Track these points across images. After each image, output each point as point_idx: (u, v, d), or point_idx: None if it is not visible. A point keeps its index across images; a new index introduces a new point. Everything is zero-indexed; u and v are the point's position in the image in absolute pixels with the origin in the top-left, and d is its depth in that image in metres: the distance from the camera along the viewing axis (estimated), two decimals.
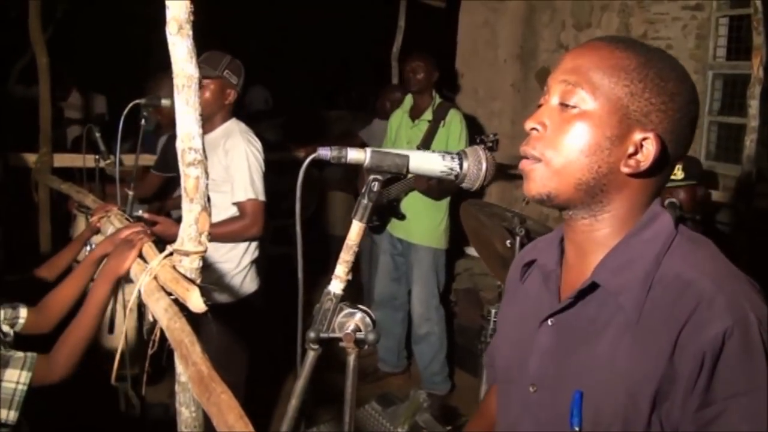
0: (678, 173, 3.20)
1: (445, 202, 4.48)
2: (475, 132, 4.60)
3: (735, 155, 4.56)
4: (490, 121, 5.88)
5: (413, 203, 4.48)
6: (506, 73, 6.11)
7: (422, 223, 4.50)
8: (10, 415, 2.00)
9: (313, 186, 6.37)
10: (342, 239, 1.24)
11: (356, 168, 5.89)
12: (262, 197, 3.18)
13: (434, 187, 4.25)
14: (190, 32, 1.60)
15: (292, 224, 5.99)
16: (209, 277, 3.03)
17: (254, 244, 3.32)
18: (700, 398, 1.03)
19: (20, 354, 2.06)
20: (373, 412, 3.08)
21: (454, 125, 4.34)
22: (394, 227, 4.61)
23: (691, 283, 1.07)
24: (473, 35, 6.32)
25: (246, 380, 3.29)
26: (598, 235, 1.20)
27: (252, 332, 3.32)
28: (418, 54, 4.53)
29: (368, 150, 1.19)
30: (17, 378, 2.01)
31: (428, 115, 4.46)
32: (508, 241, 2.83)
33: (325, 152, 1.15)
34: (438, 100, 4.52)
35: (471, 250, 5.27)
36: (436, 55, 4.60)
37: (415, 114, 4.55)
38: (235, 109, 3.35)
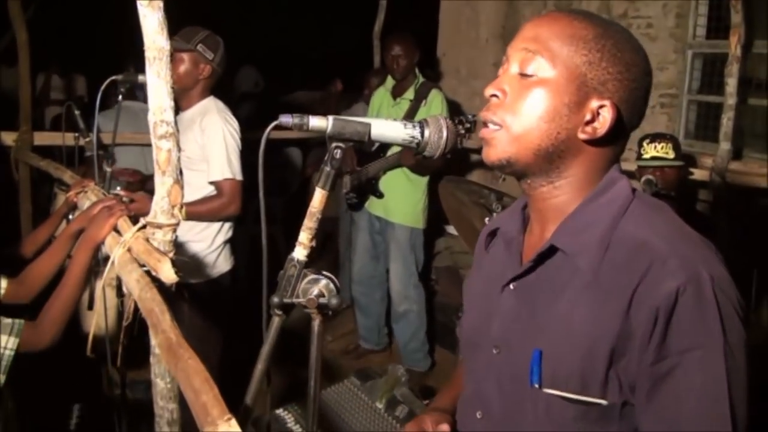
0: (669, 153, 3.25)
1: (424, 182, 4.49)
2: (456, 113, 4.60)
3: (713, 134, 4.60)
4: (471, 100, 5.88)
5: (392, 182, 4.49)
6: (488, 53, 6.11)
7: (400, 201, 4.51)
8: None
9: (294, 167, 6.37)
10: (326, 220, 1.26)
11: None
12: (239, 176, 3.17)
13: (420, 162, 4.26)
14: (161, 4, 1.61)
15: (274, 203, 6.03)
16: (182, 255, 3.05)
17: (228, 224, 3.31)
18: (655, 353, 1.07)
19: (8, 320, 2.10)
20: (352, 386, 3.09)
21: (435, 105, 4.34)
22: (373, 205, 4.63)
23: (646, 244, 1.11)
24: (455, 14, 6.32)
25: (222, 359, 3.28)
26: (557, 202, 1.22)
27: (226, 311, 3.32)
28: (398, 38, 4.47)
29: (330, 117, 1.21)
30: (5, 343, 2.06)
31: (410, 94, 4.46)
32: (486, 219, 2.85)
33: (287, 119, 1.17)
34: (420, 79, 4.51)
35: (451, 229, 5.29)
36: (418, 35, 4.58)
37: (397, 92, 4.55)
38: (219, 88, 3.34)
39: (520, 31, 1.23)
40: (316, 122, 1.19)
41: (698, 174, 4.15)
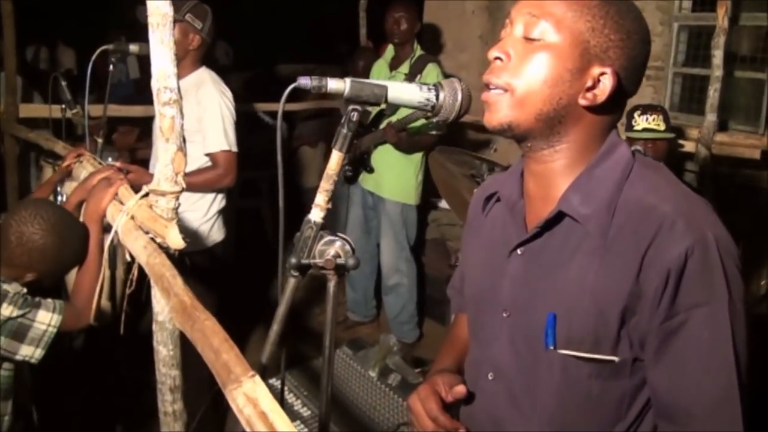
0: (661, 125, 3.28)
1: (418, 158, 4.48)
2: None
3: (698, 106, 4.64)
4: (457, 73, 5.86)
5: (384, 156, 4.48)
6: (474, 25, 6.10)
7: (392, 177, 4.50)
8: (36, 353, 2.12)
9: (281, 140, 6.34)
10: (313, 190, 1.28)
11: (328, 124, 5.92)
12: (234, 148, 3.19)
13: (404, 139, 4.25)
14: None
15: (260, 177, 6.02)
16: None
17: (222, 194, 3.33)
18: (665, 312, 1.12)
19: (50, 300, 2.17)
20: (344, 356, 3.12)
21: (429, 80, 4.26)
22: (365, 180, 4.63)
23: (653, 208, 1.14)
24: None
25: None
26: (557, 166, 1.25)
27: (219, 281, 3.34)
28: (402, 3, 4.43)
29: (347, 80, 1.21)
30: (48, 320, 2.12)
31: (405, 67, 4.43)
32: (476, 190, 2.87)
33: (305, 81, 1.17)
34: (418, 52, 4.47)
35: (441, 203, 5.31)
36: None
37: (394, 64, 4.52)
38: (207, 57, 3.32)
39: None
40: (334, 84, 1.20)
41: (684, 145, 4.19)
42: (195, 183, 3.07)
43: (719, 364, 1.11)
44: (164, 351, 1.83)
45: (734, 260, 1.13)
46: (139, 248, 1.74)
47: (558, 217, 1.22)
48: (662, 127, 3.26)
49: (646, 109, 3.33)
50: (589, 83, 1.17)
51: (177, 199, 1.85)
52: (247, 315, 3.98)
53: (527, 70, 1.18)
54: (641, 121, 3.27)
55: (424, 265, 5.28)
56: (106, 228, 2.18)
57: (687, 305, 1.11)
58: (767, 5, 4.40)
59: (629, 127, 3.29)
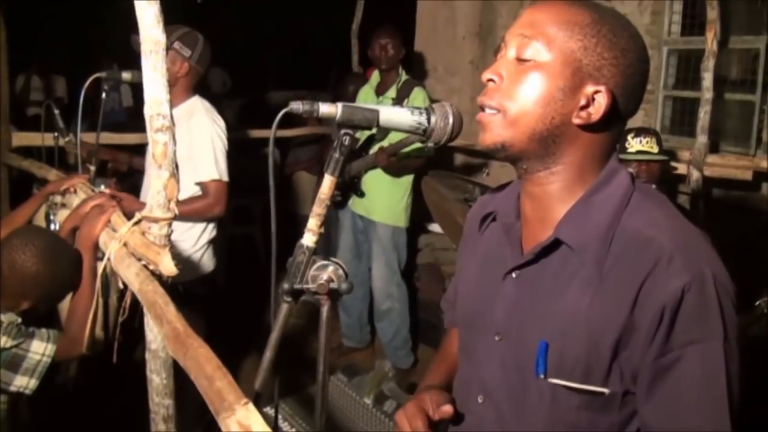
0: (654, 147, 3.29)
1: (407, 181, 4.50)
2: None
3: (689, 128, 4.67)
4: (449, 98, 5.90)
5: (374, 181, 4.49)
6: (465, 50, 6.14)
7: (383, 200, 4.51)
8: (31, 383, 2.11)
9: (273, 166, 6.34)
10: (308, 217, 1.27)
11: (322, 150, 5.93)
12: (225, 178, 3.17)
13: (394, 163, 4.27)
14: None
15: (253, 203, 6.02)
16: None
17: (212, 224, 3.29)
18: (659, 348, 1.11)
19: (44, 329, 2.16)
20: (339, 383, 3.10)
21: (417, 104, 4.27)
22: (355, 204, 4.64)
23: (651, 240, 1.13)
24: (432, 13, 6.35)
25: None
26: (553, 188, 1.24)
27: (209, 312, 3.31)
28: (387, 29, 4.48)
29: (339, 104, 1.21)
30: (43, 350, 2.12)
31: (392, 92, 4.47)
32: (472, 206, 2.87)
33: (297, 106, 1.17)
34: (404, 77, 4.51)
35: (433, 226, 5.31)
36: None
37: (380, 90, 4.56)
38: (200, 86, 3.32)
39: (518, 17, 1.24)
40: (326, 109, 1.19)
41: (678, 168, 4.21)
42: (184, 212, 3.03)
43: (712, 403, 1.10)
44: (157, 380, 1.82)
45: (730, 297, 1.12)
46: (131, 275, 1.73)
47: (554, 245, 1.21)
48: (656, 149, 3.28)
49: (640, 131, 3.34)
50: (583, 102, 1.17)
51: (170, 225, 1.85)
52: (241, 342, 3.96)
53: (519, 90, 1.18)
54: (635, 144, 3.28)
55: (418, 289, 5.27)
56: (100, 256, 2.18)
57: (682, 342, 1.10)
58: (756, 28, 4.45)
59: (623, 150, 3.29)
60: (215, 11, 10.49)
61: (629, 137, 3.31)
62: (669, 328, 1.09)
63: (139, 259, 1.80)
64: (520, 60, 1.19)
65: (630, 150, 3.28)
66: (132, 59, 1.70)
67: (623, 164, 3.09)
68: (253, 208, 6.33)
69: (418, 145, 4.13)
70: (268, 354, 1.30)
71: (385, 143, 4.33)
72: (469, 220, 1.53)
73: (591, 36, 1.16)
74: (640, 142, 3.27)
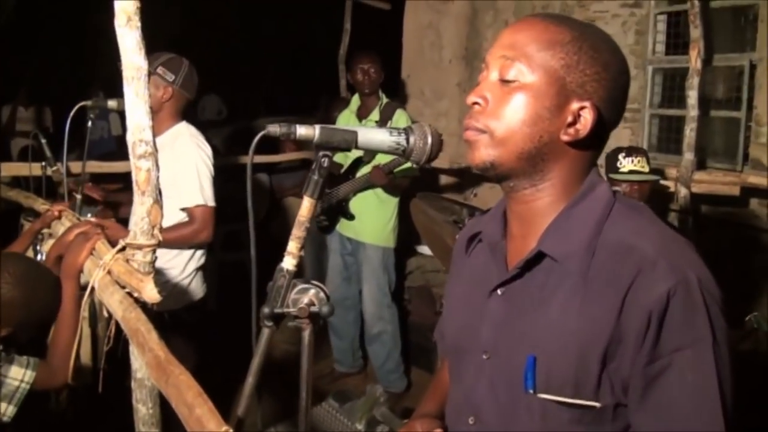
0: (645, 167, 3.30)
1: (393, 202, 4.51)
2: None
3: (675, 146, 4.69)
4: (437, 121, 5.92)
5: (362, 202, 4.50)
6: (451, 74, 6.18)
7: (371, 221, 4.52)
8: (8, 410, 2.08)
9: (263, 192, 6.35)
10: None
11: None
12: (211, 203, 3.15)
13: (392, 181, 4.28)
14: (139, 24, 1.61)
15: (243, 229, 6.03)
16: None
17: (200, 251, 3.26)
18: (648, 355, 1.09)
19: (24, 356, 2.13)
20: (330, 408, 3.08)
21: (400, 125, 4.30)
22: (344, 227, 4.64)
23: (634, 248, 1.13)
24: (418, 36, 6.38)
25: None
26: (539, 204, 1.24)
27: (199, 339, 3.28)
28: (367, 54, 4.53)
29: (317, 126, 1.21)
30: (21, 376, 2.09)
31: (375, 115, 4.49)
32: (460, 231, 2.87)
33: (274, 129, 1.17)
34: (385, 100, 4.55)
35: (423, 248, 5.31)
36: (383, 57, 4.63)
37: (362, 114, 4.58)
38: (187, 112, 3.32)
39: (498, 38, 1.24)
40: (303, 131, 1.19)
41: (670, 186, 4.23)
42: (171, 239, 3.03)
43: (705, 408, 1.09)
44: (143, 409, 1.80)
45: (717, 302, 1.11)
46: (115, 303, 1.72)
47: (538, 257, 1.21)
48: (646, 168, 3.29)
49: (631, 151, 3.35)
50: (570, 119, 1.17)
51: (154, 252, 1.84)
52: (233, 369, 3.93)
53: (505, 111, 1.18)
54: (627, 164, 3.28)
55: (410, 312, 5.25)
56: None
57: (670, 348, 1.09)
58: (740, 46, 4.49)
59: (614, 170, 3.29)
60: (208, 39, 10.58)
61: (620, 156, 3.31)
62: (657, 334, 1.08)
63: (123, 287, 1.78)
64: (504, 81, 1.19)
65: (622, 170, 3.28)
66: (119, 87, 1.70)
67: (616, 183, 3.10)
68: (242, 234, 6.30)
69: (409, 164, 4.15)
70: (250, 380, 1.29)
71: (370, 166, 4.35)
72: (456, 246, 1.53)
73: (573, 53, 1.17)
74: (632, 161, 3.28)
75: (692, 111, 4.11)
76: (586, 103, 1.17)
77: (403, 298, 5.30)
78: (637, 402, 1.12)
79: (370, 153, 4.19)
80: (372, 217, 4.51)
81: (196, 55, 3.32)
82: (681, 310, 1.08)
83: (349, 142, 1.23)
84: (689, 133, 4.12)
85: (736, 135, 4.51)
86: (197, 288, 3.29)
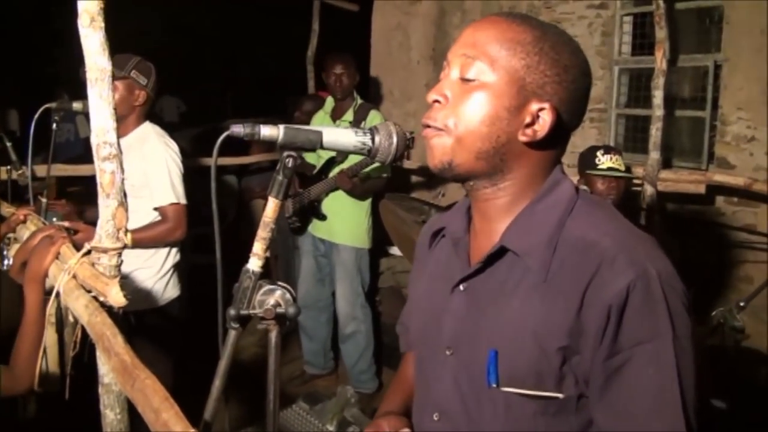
0: (622, 165, 3.34)
1: (367, 202, 4.49)
2: None
3: (642, 145, 4.75)
4: (405, 121, 5.95)
5: (334, 203, 4.47)
6: (420, 74, 6.20)
7: (344, 222, 4.49)
8: None
9: (232, 194, 6.31)
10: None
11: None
12: (183, 200, 3.15)
13: (358, 185, 4.27)
14: (102, 25, 1.59)
15: (212, 232, 5.96)
16: (132, 282, 2.98)
17: (175, 249, 3.28)
18: (608, 349, 1.10)
19: None
20: (301, 411, 3.05)
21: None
22: (316, 228, 4.61)
23: (594, 243, 1.14)
24: (387, 38, 6.40)
25: (172, 387, 3.23)
26: (501, 203, 1.24)
27: (175, 338, 3.27)
28: (340, 58, 4.50)
29: (281, 126, 1.20)
30: None
31: (349, 116, 4.47)
32: (423, 226, 2.87)
33: (238, 129, 1.16)
34: (359, 101, 4.54)
35: (393, 249, 5.31)
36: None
37: (336, 115, 4.56)
38: (150, 113, 3.30)
39: (459, 36, 1.24)
40: (267, 131, 1.18)
41: (642, 185, 4.28)
42: (146, 238, 3.02)
43: (665, 403, 1.09)
44: (111, 415, 1.78)
45: (678, 295, 1.12)
46: (80, 307, 1.69)
47: (500, 253, 1.21)
48: (623, 167, 3.33)
49: (608, 149, 3.39)
50: (528, 119, 1.17)
51: (120, 255, 1.82)
52: (201, 372, 3.90)
53: (464, 110, 1.18)
54: (605, 160, 3.32)
55: (381, 313, 5.24)
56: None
57: (630, 342, 1.09)
58: (705, 47, 4.56)
59: (593, 166, 3.32)
60: (171, 42, 10.49)
61: (598, 153, 3.35)
62: (616, 328, 1.09)
63: (89, 291, 1.76)
64: (464, 80, 1.19)
65: (601, 166, 3.32)
66: (84, 90, 1.68)
67: (596, 179, 3.12)
68: (212, 237, 6.23)
69: (377, 164, 4.13)
70: (218, 383, 1.28)
71: (344, 165, 4.33)
72: (419, 241, 1.53)
73: (534, 54, 1.17)
74: (610, 158, 3.31)
75: (658, 111, 4.16)
76: (546, 105, 1.17)
77: (375, 299, 5.29)
78: (597, 396, 1.13)
79: (342, 153, 4.17)
80: (346, 218, 4.48)
81: (161, 55, 3.29)
82: (640, 305, 1.08)
83: (314, 142, 1.22)
84: (655, 132, 4.17)
85: (701, 134, 4.58)
86: (174, 286, 3.31)
